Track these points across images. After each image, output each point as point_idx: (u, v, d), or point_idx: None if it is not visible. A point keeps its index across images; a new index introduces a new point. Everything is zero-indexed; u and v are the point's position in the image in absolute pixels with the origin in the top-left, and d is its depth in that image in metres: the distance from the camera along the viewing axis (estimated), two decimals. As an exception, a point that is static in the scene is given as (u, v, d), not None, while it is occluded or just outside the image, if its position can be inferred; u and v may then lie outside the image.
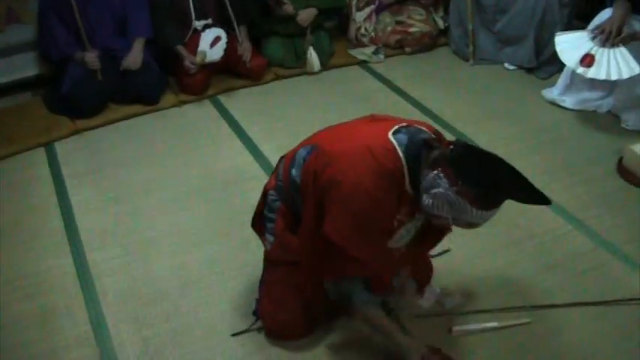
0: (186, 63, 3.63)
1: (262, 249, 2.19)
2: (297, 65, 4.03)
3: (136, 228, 2.70)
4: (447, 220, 1.73)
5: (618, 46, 3.13)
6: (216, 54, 3.67)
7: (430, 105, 3.64)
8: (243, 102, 3.73)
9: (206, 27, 3.74)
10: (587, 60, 3.17)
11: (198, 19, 3.73)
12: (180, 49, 3.67)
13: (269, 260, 2.17)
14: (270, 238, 2.12)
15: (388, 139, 1.78)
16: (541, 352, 2.12)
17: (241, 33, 3.83)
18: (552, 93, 3.64)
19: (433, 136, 1.84)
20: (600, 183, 2.96)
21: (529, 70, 4.00)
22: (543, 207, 2.74)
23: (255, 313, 2.20)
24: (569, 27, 3.75)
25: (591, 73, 3.16)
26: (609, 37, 3.14)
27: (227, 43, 3.69)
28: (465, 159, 1.68)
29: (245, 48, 3.80)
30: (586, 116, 3.49)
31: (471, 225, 1.75)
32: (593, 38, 3.21)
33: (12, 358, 2.11)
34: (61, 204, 2.85)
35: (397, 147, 1.76)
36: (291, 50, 4.03)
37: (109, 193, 2.93)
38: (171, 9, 3.68)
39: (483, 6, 4.06)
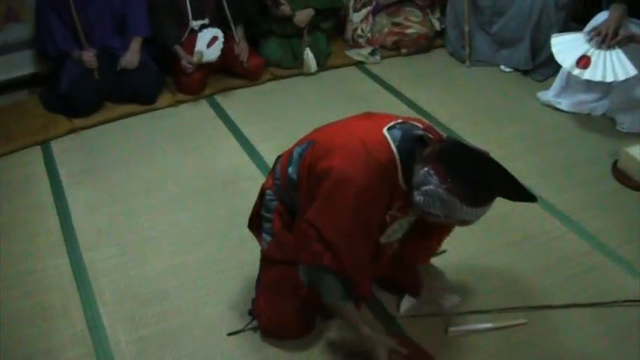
0: (184, 63, 3.63)
1: (259, 249, 2.20)
2: (294, 66, 4.03)
3: (133, 228, 2.70)
4: (438, 217, 1.73)
5: (614, 48, 3.14)
6: (213, 54, 3.67)
7: (426, 106, 3.64)
8: (240, 102, 3.73)
9: (203, 27, 3.73)
10: (583, 62, 3.18)
11: (195, 18, 3.73)
12: (178, 48, 3.66)
13: (266, 260, 2.17)
14: (267, 237, 2.13)
15: (383, 134, 1.79)
16: (538, 353, 2.12)
17: (238, 33, 3.83)
18: (548, 95, 3.65)
19: (428, 134, 1.84)
20: (596, 185, 2.98)
21: (525, 73, 4.01)
22: (540, 209, 2.77)
23: (251, 312, 2.20)
24: (565, 29, 3.76)
25: (587, 74, 3.18)
26: (605, 39, 3.15)
27: (224, 43, 3.69)
28: (454, 156, 1.69)
29: (242, 48, 3.80)
30: (581, 119, 3.51)
31: (463, 222, 1.76)
32: (589, 40, 3.23)
33: (8, 357, 2.10)
34: (57, 203, 2.85)
35: (391, 142, 1.78)
36: (289, 51, 4.03)
37: (106, 192, 2.92)
38: (170, 9, 3.68)
39: (480, 8, 4.07)
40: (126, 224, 2.72)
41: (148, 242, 2.61)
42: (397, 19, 4.29)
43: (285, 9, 3.91)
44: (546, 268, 2.47)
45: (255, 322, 2.17)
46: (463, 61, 4.18)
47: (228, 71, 3.89)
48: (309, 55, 4.00)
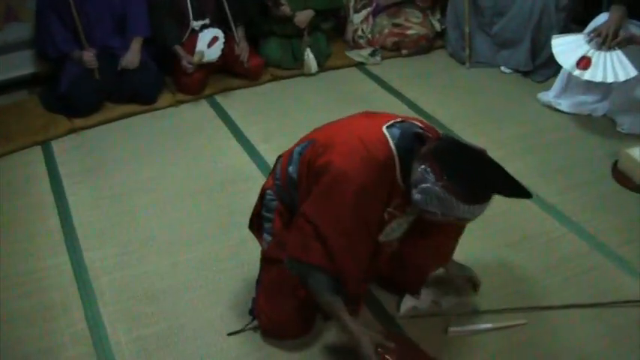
0: (184, 63, 3.63)
1: (259, 249, 2.20)
2: (294, 66, 4.03)
3: (133, 227, 2.70)
4: (436, 214, 1.73)
5: (615, 49, 3.15)
6: (213, 54, 3.67)
7: (426, 107, 3.65)
8: (240, 102, 3.73)
9: (204, 27, 3.74)
10: (584, 62, 3.19)
11: (196, 19, 3.73)
12: (178, 48, 3.67)
13: (266, 260, 2.17)
14: (267, 237, 2.13)
15: (382, 132, 1.80)
16: (537, 353, 2.13)
17: (239, 33, 3.84)
18: (548, 96, 3.65)
19: (427, 133, 1.85)
20: (595, 186, 2.98)
21: (525, 74, 4.02)
22: (539, 210, 2.77)
23: (251, 312, 2.20)
24: (565, 30, 3.77)
25: (587, 75, 3.18)
26: (606, 40, 3.15)
27: (224, 43, 3.69)
28: (450, 154, 1.69)
29: (242, 48, 3.80)
30: (581, 120, 3.51)
31: (461, 220, 1.75)
32: (589, 41, 3.23)
33: (8, 357, 2.10)
34: (57, 203, 2.85)
35: (390, 140, 1.79)
36: (289, 51, 4.03)
37: (106, 192, 2.92)
38: (170, 9, 3.68)
39: (480, 9, 4.07)
40: (126, 224, 2.72)
41: (148, 242, 2.61)
42: (397, 20, 4.29)
43: (286, 9, 3.92)
44: (546, 269, 2.48)
45: (255, 322, 2.17)
46: (463, 62, 4.18)
47: (229, 71, 3.90)
48: (309, 56, 4.00)
